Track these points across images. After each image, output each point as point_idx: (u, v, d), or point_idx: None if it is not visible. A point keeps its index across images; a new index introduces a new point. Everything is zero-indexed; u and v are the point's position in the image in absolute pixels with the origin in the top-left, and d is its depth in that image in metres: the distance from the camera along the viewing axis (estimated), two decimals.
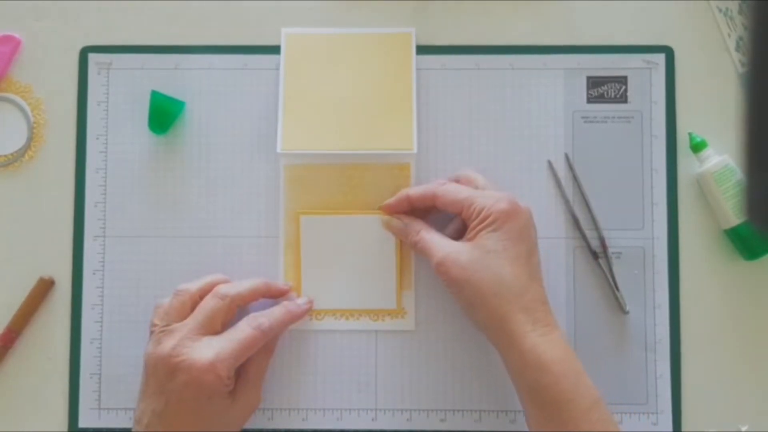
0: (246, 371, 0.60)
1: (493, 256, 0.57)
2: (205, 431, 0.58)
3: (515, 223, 0.58)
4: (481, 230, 0.58)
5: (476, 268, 0.57)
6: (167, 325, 0.59)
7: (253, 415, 0.62)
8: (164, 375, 0.57)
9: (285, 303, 0.63)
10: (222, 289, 0.60)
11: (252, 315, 0.60)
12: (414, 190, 0.63)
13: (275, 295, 0.63)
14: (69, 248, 0.65)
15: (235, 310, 0.60)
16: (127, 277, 0.65)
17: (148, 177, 0.66)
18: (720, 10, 0.66)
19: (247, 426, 0.63)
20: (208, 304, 0.59)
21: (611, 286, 0.64)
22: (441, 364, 0.64)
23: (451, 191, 0.60)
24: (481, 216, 0.58)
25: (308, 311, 0.64)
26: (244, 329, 0.59)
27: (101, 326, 0.65)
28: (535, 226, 0.59)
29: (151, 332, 0.60)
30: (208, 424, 0.58)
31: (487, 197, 0.59)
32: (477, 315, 0.58)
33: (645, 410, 0.63)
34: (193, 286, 0.61)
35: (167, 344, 0.57)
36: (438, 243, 0.60)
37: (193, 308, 0.60)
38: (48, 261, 0.65)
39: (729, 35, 0.66)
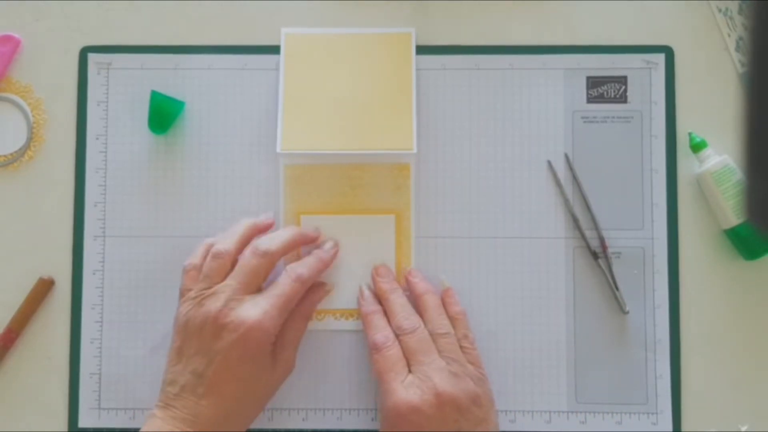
0: (283, 335, 0.60)
1: None
2: (244, 395, 0.57)
3: (410, 430, 0.56)
4: (384, 423, 0.58)
5: None
6: (208, 288, 0.59)
7: (286, 380, 0.61)
8: (210, 335, 0.57)
9: (315, 252, 0.63)
10: (261, 246, 0.60)
11: (290, 267, 0.60)
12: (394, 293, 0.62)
13: (308, 243, 0.64)
14: (69, 248, 0.65)
15: (274, 265, 0.60)
16: (127, 277, 0.65)
17: (148, 177, 0.66)
18: (720, 10, 0.66)
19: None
20: (249, 263, 0.59)
21: (611, 286, 0.64)
22: None
23: (384, 359, 0.58)
24: (381, 415, 0.58)
25: (336, 254, 0.64)
26: (285, 283, 0.59)
27: (101, 326, 0.65)
28: (463, 412, 0.56)
29: (187, 296, 0.59)
30: (248, 387, 0.57)
31: (388, 391, 0.57)
32: None
33: (645, 410, 0.63)
34: (230, 245, 0.60)
35: (213, 305, 0.57)
36: (391, 391, 0.58)
37: (232, 266, 0.60)
38: (48, 261, 0.65)
39: (729, 35, 0.66)
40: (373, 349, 0.59)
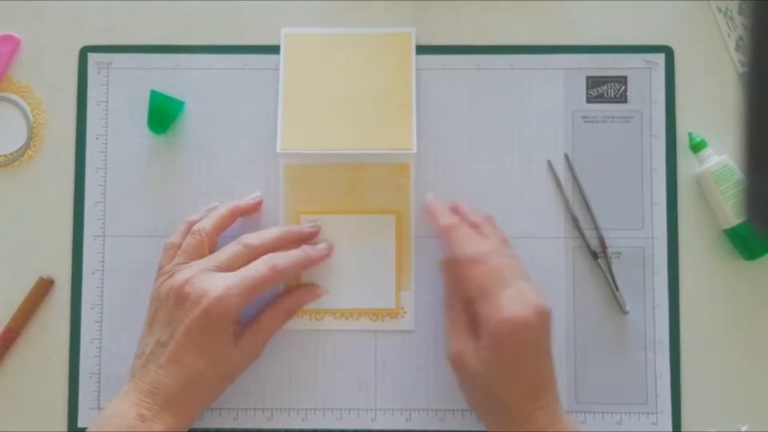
0: (258, 321, 0.60)
1: (493, 374, 0.56)
2: (204, 368, 0.57)
3: (519, 342, 0.55)
4: (484, 341, 0.56)
5: (478, 384, 0.57)
6: (183, 263, 0.60)
7: (250, 366, 0.61)
8: (174, 304, 0.57)
9: (304, 247, 0.62)
10: (247, 239, 0.60)
11: (270, 255, 0.60)
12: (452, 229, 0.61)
13: (302, 241, 0.63)
14: (69, 248, 0.65)
15: (257, 258, 0.60)
16: (127, 277, 0.65)
17: (148, 177, 0.66)
18: (720, 10, 0.66)
19: (246, 426, 0.63)
20: (231, 249, 0.60)
21: (611, 286, 0.64)
22: (440, 364, 0.64)
23: (472, 278, 0.57)
24: (486, 329, 0.56)
25: (327, 257, 0.63)
26: (258, 267, 0.59)
27: (101, 326, 0.65)
28: (548, 328, 0.57)
29: (162, 271, 0.60)
30: (209, 362, 0.58)
31: (495, 307, 0.56)
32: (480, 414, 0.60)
33: (645, 410, 0.63)
34: (209, 224, 0.61)
35: (181, 276, 0.58)
36: (455, 332, 0.59)
37: (210, 246, 0.61)
38: (48, 261, 0.65)
39: (729, 35, 0.66)
40: (471, 263, 0.57)
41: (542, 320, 0.56)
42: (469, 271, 0.58)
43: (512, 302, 0.56)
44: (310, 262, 0.62)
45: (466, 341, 0.58)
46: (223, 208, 0.63)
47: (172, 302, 0.58)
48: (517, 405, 0.56)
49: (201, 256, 0.60)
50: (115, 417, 0.56)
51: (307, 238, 0.63)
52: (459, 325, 0.59)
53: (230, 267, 0.59)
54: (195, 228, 0.61)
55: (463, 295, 0.59)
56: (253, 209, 0.64)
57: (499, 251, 0.59)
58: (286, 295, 0.63)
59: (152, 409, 0.56)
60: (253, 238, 0.61)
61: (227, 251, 0.60)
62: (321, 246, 0.63)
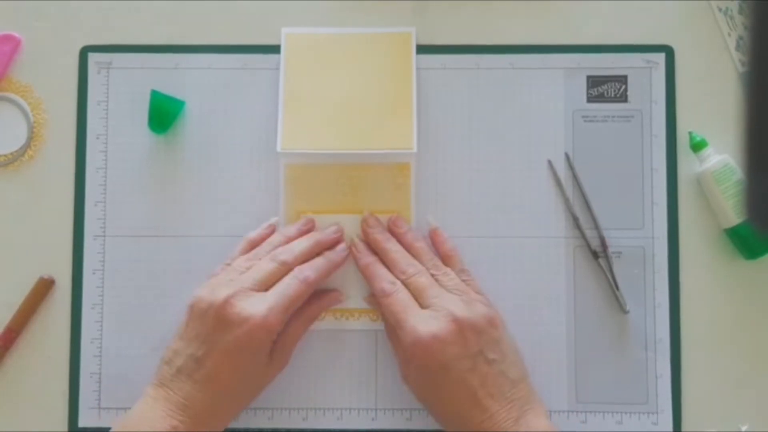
0: (284, 333, 0.60)
1: (427, 395, 0.59)
2: (238, 386, 0.58)
3: (435, 359, 0.56)
4: (411, 365, 0.58)
5: (425, 404, 0.60)
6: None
7: (287, 380, 0.62)
8: (213, 324, 0.57)
9: (326, 253, 0.63)
10: (282, 256, 0.60)
11: (298, 268, 0.60)
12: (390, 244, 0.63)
13: (327, 248, 0.63)
14: (69, 248, 0.65)
15: (288, 273, 0.60)
16: (127, 277, 0.65)
17: (148, 176, 0.66)
18: (720, 10, 0.66)
19: (247, 425, 0.63)
20: (267, 266, 0.60)
21: (611, 285, 0.64)
22: None
23: (386, 310, 0.60)
24: (407, 354, 0.58)
25: (346, 258, 0.63)
26: (291, 283, 0.59)
27: (101, 326, 0.65)
28: (479, 335, 0.57)
29: (211, 281, 0.60)
30: (244, 379, 0.59)
31: (406, 331, 0.57)
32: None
33: (645, 410, 0.63)
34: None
35: (221, 294, 0.57)
36: (397, 359, 0.60)
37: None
38: (48, 261, 0.65)
39: (729, 35, 0.66)
40: (381, 296, 0.60)
41: (463, 329, 0.57)
42: (383, 305, 0.60)
43: (422, 321, 0.57)
44: (335, 267, 0.63)
45: (403, 367, 0.60)
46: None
47: (210, 321, 0.57)
48: (461, 419, 0.57)
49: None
50: (146, 425, 0.56)
51: (333, 245, 0.63)
52: (398, 351, 0.61)
53: (267, 285, 0.59)
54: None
55: (390, 326, 0.61)
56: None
57: (418, 273, 0.60)
58: (307, 303, 0.62)
59: (185, 422, 0.56)
60: (287, 255, 0.61)
61: (264, 269, 0.60)
62: (340, 248, 0.63)
